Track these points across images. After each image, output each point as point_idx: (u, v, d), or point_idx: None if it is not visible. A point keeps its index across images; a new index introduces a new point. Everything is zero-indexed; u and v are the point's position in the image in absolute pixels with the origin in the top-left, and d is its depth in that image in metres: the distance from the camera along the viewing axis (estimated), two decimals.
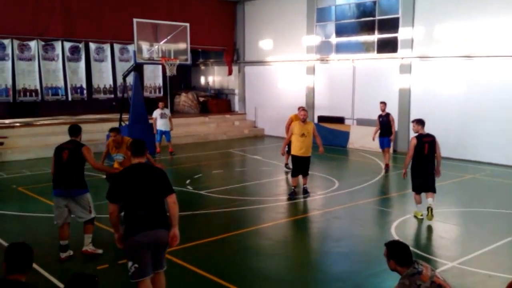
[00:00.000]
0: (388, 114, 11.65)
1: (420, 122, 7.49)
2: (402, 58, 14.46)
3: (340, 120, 16.24)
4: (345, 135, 15.73)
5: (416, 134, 7.50)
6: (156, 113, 13.78)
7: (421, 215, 7.60)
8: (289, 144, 9.60)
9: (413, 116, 14.32)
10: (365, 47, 15.99)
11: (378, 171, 11.67)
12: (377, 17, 15.30)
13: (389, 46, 15.09)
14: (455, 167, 12.29)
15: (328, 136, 15.96)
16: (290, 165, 9.80)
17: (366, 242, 6.75)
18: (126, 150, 6.97)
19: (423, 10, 13.90)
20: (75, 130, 6.16)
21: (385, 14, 15.23)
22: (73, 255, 6.08)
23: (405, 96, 14.49)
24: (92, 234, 6.13)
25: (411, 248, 3.54)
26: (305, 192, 9.10)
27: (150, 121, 14.01)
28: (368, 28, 15.70)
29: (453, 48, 13.32)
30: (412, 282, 3.35)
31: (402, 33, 14.45)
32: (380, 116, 11.69)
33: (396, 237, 6.53)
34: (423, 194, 7.61)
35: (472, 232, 7.30)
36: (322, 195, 9.34)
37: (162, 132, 13.80)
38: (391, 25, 14.93)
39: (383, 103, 11.67)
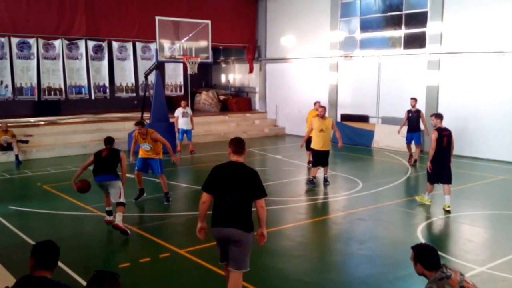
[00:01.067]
0: (418, 111, 12.27)
1: (439, 116, 8.08)
2: (430, 53, 14.18)
3: (364, 118, 16.06)
4: (370, 134, 15.55)
5: (435, 127, 8.04)
6: (178, 112, 13.95)
7: (430, 202, 8.26)
8: (308, 141, 10.27)
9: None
10: (391, 43, 15.75)
11: (404, 171, 11.50)
12: (404, 11, 15.03)
13: (416, 41, 14.81)
14: (485, 168, 11.99)
15: (351, 135, 15.83)
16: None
17: (391, 244, 6.67)
18: (150, 140, 8.42)
19: (453, 3, 13.58)
20: (110, 140, 7.49)
21: (412, 8, 14.95)
22: (96, 253, 6.25)
23: (433, 94, 14.20)
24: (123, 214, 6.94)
25: (438, 252, 3.48)
26: (326, 180, 10.00)
27: (172, 119, 14.19)
28: (394, 23, 15.46)
29: (485, 43, 12.97)
30: (440, 286, 3.30)
31: (431, 28, 14.16)
32: (409, 111, 12.28)
33: (422, 240, 6.44)
34: (439, 190, 8.21)
35: (502, 235, 7.13)
36: (345, 196, 9.28)
37: (184, 131, 13.96)
38: (419, 19, 14.65)
39: (414, 99, 12.33)
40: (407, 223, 7.73)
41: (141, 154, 8.62)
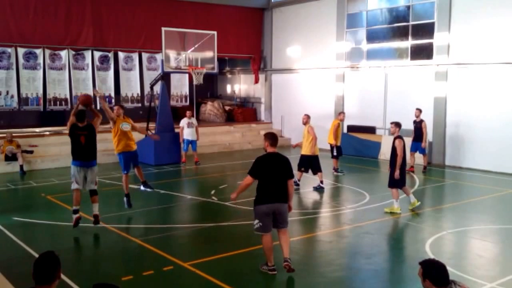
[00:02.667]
0: (421, 121, 12.70)
1: (398, 125, 8.81)
2: (438, 65, 14.18)
3: (371, 130, 16.02)
4: (377, 146, 15.49)
5: (396, 135, 8.71)
6: (183, 122, 14.01)
7: (400, 210, 8.66)
8: (335, 148, 12.46)
9: (449, 127, 14.04)
10: (398, 54, 15.77)
11: (411, 184, 11.43)
12: (411, 22, 15.08)
13: (423, 52, 14.83)
14: (496, 181, 11.88)
15: (358, 147, 15.79)
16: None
17: (399, 259, 6.60)
18: (130, 120, 8.89)
19: (460, 14, 13.61)
20: (82, 115, 7.67)
21: (419, 19, 15.00)
22: (99, 266, 6.24)
23: (440, 105, 14.16)
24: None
25: (447, 267, 3.44)
26: (318, 187, 10.71)
27: (177, 130, 14.25)
28: (401, 33, 15.50)
29: (492, 54, 12.95)
30: None
31: (438, 39, 14.18)
32: (414, 121, 12.86)
33: (431, 255, 6.36)
34: (401, 192, 8.86)
35: None
36: (352, 209, 9.22)
37: (189, 142, 14.01)
38: (426, 30, 14.68)
39: (418, 110, 12.80)
40: (415, 237, 7.65)
41: (124, 148, 8.63)
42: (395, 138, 8.62)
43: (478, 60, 13.27)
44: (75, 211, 7.51)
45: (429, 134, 14.43)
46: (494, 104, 13.04)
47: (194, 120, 14.28)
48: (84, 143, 7.47)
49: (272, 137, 5.75)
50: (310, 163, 10.73)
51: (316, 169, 10.74)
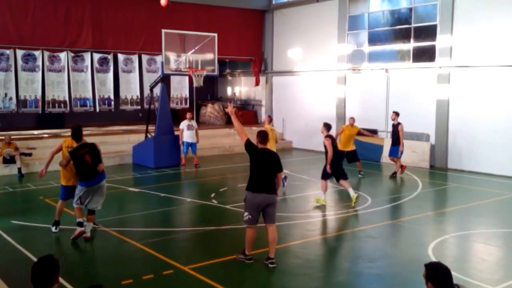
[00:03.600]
0: (398, 124, 12.48)
1: (326, 126, 9.51)
2: (440, 67, 14.19)
3: (373, 132, 16.00)
4: (379, 149, 15.49)
5: (326, 135, 9.44)
6: (183, 125, 14.01)
7: (325, 201, 9.51)
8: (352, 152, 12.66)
9: (452, 130, 14.05)
10: (400, 56, 15.80)
11: (414, 187, 11.43)
12: (413, 25, 15.11)
13: (426, 54, 14.85)
14: (497, 184, 11.88)
15: (360, 150, 15.65)
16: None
17: (402, 263, 6.59)
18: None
19: (462, 16, 13.64)
20: (78, 133, 7.34)
21: (421, 21, 15.03)
22: (98, 269, 6.22)
23: (443, 108, 14.17)
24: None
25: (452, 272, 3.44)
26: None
27: (177, 132, 14.26)
28: (403, 36, 15.52)
29: (495, 56, 12.97)
30: None
31: (440, 41, 14.20)
32: (392, 125, 12.72)
33: (434, 259, 6.35)
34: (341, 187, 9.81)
35: None
36: (354, 213, 9.21)
37: (189, 144, 14.01)
38: (428, 32, 14.71)
39: (395, 113, 12.64)
40: (418, 241, 7.64)
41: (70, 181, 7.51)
42: (325, 137, 9.40)
43: (481, 63, 13.28)
44: (80, 224, 7.27)
45: (431, 136, 14.46)
46: (497, 107, 13.04)
47: (194, 123, 14.29)
48: (91, 161, 7.13)
49: (262, 135, 6.29)
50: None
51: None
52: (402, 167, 12.68)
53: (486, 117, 13.20)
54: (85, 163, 7.13)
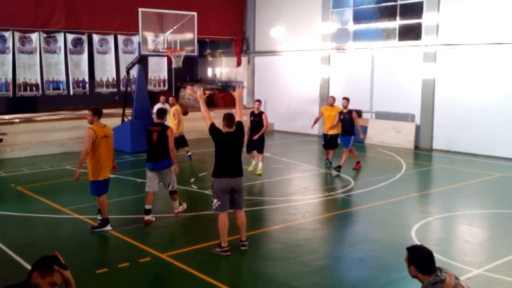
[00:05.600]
0: (350, 111, 11.21)
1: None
2: (426, 46, 14.18)
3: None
4: (363, 130, 15.45)
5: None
6: (156, 109, 13.70)
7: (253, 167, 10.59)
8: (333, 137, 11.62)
9: (437, 109, 14.11)
10: (386, 34, 15.73)
11: (398, 169, 11.49)
12: (399, 2, 15.01)
13: (411, 33, 14.80)
14: (482, 165, 12.03)
15: None
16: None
17: (384, 246, 6.61)
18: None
19: None
20: (162, 112, 7.86)
21: None
22: (72, 258, 6.08)
23: (429, 87, 14.21)
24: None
25: (434, 254, 3.42)
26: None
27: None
28: (388, 13, 15.43)
29: (483, 34, 13.00)
30: None
31: (427, 19, 14.16)
32: (341, 112, 11.22)
33: (417, 242, 6.39)
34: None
35: (500, 236, 7.11)
36: (336, 196, 9.22)
37: None
38: (414, 10, 14.64)
39: (346, 99, 11.25)
40: (401, 223, 7.68)
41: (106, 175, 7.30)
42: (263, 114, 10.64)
43: (468, 41, 13.30)
44: (147, 211, 7.42)
45: (416, 116, 14.51)
46: (483, 86, 13.13)
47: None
48: (156, 141, 7.36)
49: (228, 119, 6.21)
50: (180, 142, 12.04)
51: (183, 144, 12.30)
52: (358, 164, 11.40)
53: (472, 97, 13.29)
54: (150, 141, 7.48)
